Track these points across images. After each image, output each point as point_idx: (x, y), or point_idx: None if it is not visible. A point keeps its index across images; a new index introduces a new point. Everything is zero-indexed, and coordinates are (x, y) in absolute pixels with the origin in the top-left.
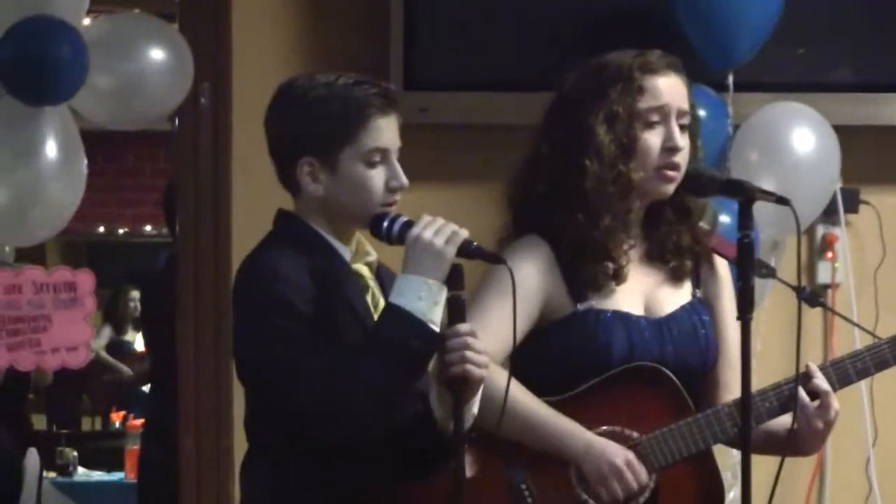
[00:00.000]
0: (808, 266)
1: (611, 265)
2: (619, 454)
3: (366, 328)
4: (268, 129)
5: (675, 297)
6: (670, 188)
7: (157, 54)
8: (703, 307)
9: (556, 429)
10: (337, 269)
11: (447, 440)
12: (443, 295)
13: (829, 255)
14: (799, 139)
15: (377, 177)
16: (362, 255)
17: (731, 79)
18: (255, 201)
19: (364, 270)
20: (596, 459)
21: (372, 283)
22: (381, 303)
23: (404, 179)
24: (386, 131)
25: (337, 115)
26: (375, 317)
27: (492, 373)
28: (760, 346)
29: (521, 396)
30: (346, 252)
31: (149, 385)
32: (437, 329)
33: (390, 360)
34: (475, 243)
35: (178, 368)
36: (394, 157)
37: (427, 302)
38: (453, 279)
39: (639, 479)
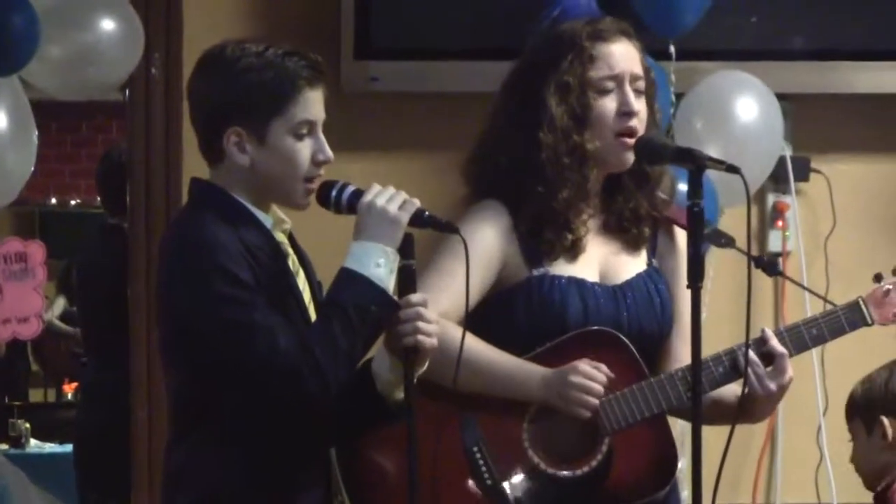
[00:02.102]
0: (759, 234)
1: (569, 235)
2: (571, 368)
3: (296, 294)
4: (193, 95)
5: (631, 266)
6: (629, 156)
7: (107, 24)
8: (658, 276)
9: (512, 371)
10: (264, 238)
11: (387, 405)
12: (397, 262)
13: (780, 223)
14: (742, 107)
15: (304, 149)
16: (280, 222)
17: (672, 48)
18: (206, 172)
19: (282, 238)
20: (554, 383)
21: (290, 250)
22: (301, 270)
23: (330, 153)
24: (315, 103)
25: (268, 85)
26: (298, 282)
27: (447, 328)
28: (707, 315)
29: (475, 345)
30: (267, 221)
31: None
32: (392, 295)
33: (351, 325)
34: (428, 212)
35: (129, 340)
36: (320, 131)
37: (385, 269)
38: (405, 248)
39: (597, 377)
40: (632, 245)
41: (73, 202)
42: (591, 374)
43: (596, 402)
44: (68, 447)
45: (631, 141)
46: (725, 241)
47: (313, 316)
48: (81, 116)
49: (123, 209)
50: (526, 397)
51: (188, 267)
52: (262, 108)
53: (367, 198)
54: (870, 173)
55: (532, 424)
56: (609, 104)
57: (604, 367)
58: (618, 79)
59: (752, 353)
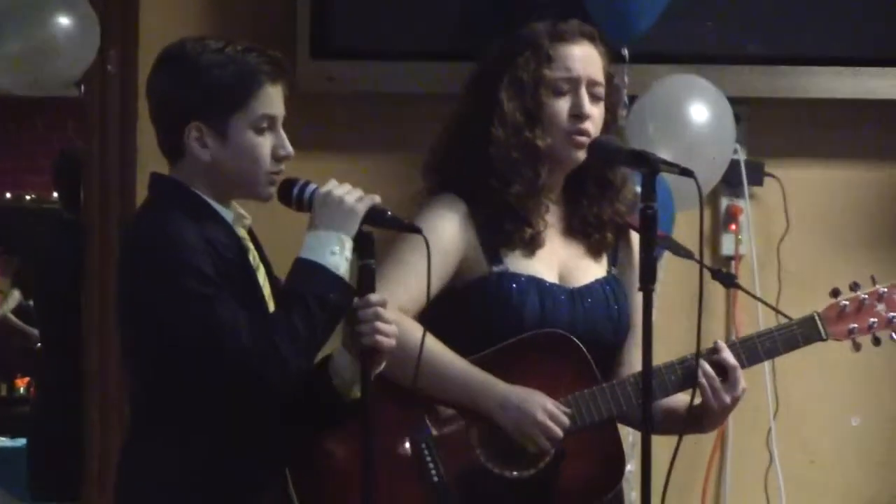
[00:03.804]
0: (712, 238)
1: (528, 229)
2: (537, 407)
3: (257, 289)
4: (153, 92)
5: (591, 270)
6: (580, 154)
7: (64, 20)
8: (617, 284)
9: (471, 382)
10: (224, 233)
11: (343, 403)
12: (351, 252)
13: (733, 227)
14: (695, 111)
15: (265, 145)
16: (240, 218)
17: (626, 51)
18: (161, 167)
19: (243, 233)
20: (514, 413)
21: (250, 244)
22: (261, 265)
23: (290, 148)
24: (275, 99)
25: (228, 80)
26: (259, 277)
27: (406, 327)
28: (658, 316)
29: (435, 348)
30: (228, 216)
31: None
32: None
33: (310, 313)
34: (390, 212)
35: (81, 338)
36: (280, 126)
37: (340, 256)
38: (365, 247)
39: (561, 424)
40: (594, 250)
41: (28, 197)
42: (557, 418)
43: (549, 446)
44: (20, 441)
45: (581, 139)
46: (685, 253)
47: (272, 310)
48: (37, 112)
49: (79, 204)
50: (476, 407)
51: (152, 264)
52: (223, 103)
53: (325, 188)
54: (823, 178)
55: (481, 424)
56: (562, 105)
57: (568, 412)
58: (573, 82)
59: (707, 366)
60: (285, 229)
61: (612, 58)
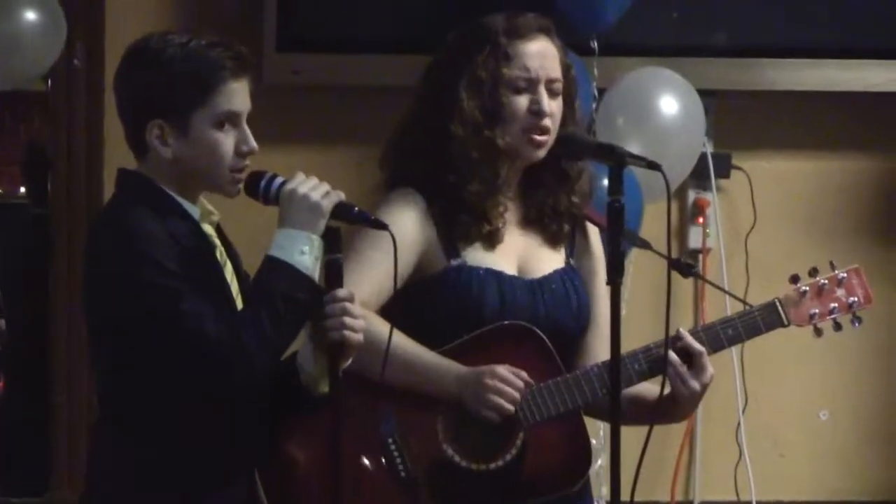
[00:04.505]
0: (680, 231)
1: (486, 225)
2: (487, 373)
3: (223, 285)
4: (117, 88)
5: (550, 261)
6: (540, 153)
7: (30, 15)
8: (575, 274)
9: (435, 369)
10: (191, 229)
11: (310, 398)
12: (321, 250)
13: (701, 220)
14: (664, 104)
15: (227, 141)
16: (207, 214)
17: (594, 43)
18: (128, 162)
19: (210, 230)
20: (471, 386)
21: (217, 241)
22: (228, 262)
23: (254, 144)
24: (238, 95)
25: (189, 77)
26: (226, 274)
27: (372, 320)
28: (626, 312)
29: (400, 340)
30: (195, 212)
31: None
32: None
33: (278, 312)
34: (357, 208)
35: (49, 332)
36: (244, 122)
37: (309, 256)
38: (331, 242)
39: (515, 384)
40: (551, 240)
41: None
42: (509, 380)
43: (510, 407)
44: None
45: (540, 138)
46: (642, 243)
47: (240, 307)
48: (3, 106)
49: (47, 199)
50: (442, 394)
51: (115, 257)
52: (183, 100)
53: (290, 186)
54: (791, 170)
55: (446, 417)
56: (521, 102)
57: (524, 374)
58: (532, 80)
59: (673, 354)
60: (257, 225)
61: (566, 48)
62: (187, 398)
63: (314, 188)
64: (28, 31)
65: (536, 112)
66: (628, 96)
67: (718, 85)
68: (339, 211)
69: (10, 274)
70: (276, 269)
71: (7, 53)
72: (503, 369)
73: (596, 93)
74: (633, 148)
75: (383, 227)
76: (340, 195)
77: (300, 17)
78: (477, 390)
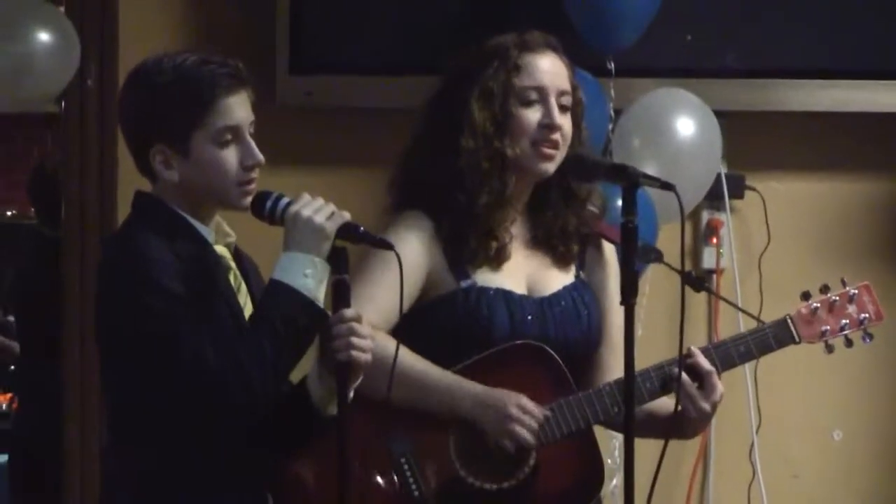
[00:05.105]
0: (693, 251)
1: (493, 243)
2: (511, 401)
3: (233, 309)
4: (119, 116)
5: (559, 279)
6: (549, 166)
7: (43, 36)
8: (585, 288)
9: (447, 387)
10: (201, 251)
11: (321, 419)
12: (327, 273)
13: (714, 240)
14: (680, 125)
15: (230, 157)
16: (222, 235)
17: (611, 64)
18: (141, 183)
19: (224, 252)
20: (490, 411)
21: (232, 263)
22: (243, 284)
23: (259, 156)
24: (235, 109)
25: (182, 99)
26: (240, 298)
27: (380, 340)
28: (641, 332)
29: (410, 359)
30: (208, 234)
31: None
32: (322, 307)
33: (279, 336)
34: (363, 228)
35: (62, 354)
36: (247, 134)
37: (313, 280)
38: (338, 262)
39: (538, 417)
40: (560, 261)
41: (8, 213)
42: (533, 412)
43: (533, 441)
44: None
45: (550, 151)
46: (655, 257)
47: None
48: (16, 128)
49: (58, 220)
50: (455, 413)
51: (120, 280)
52: (180, 122)
53: (294, 208)
54: (804, 191)
55: (459, 437)
56: (532, 115)
57: (538, 411)
58: (542, 91)
59: (683, 374)
60: (276, 246)
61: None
62: (190, 420)
63: (319, 210)
64: (41, 53)
65: (547, 125)
66: (644, 117)
67: (732, 106)
68: (345, 231)
69: (22, 296)
70: (278, 292)
71: (20, 75)
72: (528, 400)
73: (612, 114)
74: (650, 169)
75: (389, 246)
76: (346, 215)
77: (312, 39)
78: (499, 417)
